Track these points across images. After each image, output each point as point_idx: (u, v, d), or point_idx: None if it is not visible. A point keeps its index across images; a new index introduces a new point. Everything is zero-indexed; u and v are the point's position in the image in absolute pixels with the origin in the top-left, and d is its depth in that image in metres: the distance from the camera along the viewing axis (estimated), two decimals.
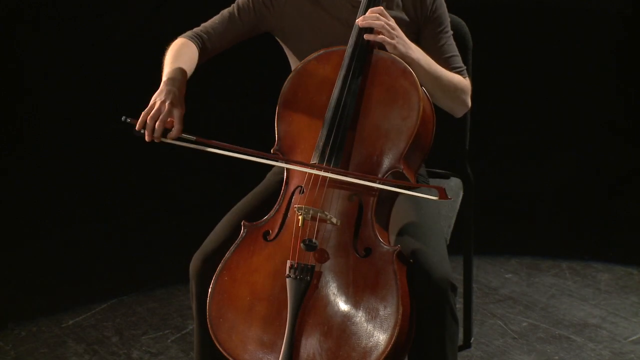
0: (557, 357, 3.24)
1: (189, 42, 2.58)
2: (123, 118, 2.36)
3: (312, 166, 2.36)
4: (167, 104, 2.35)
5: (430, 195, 2.36)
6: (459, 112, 2.60)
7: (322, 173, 2.34)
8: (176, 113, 2.35)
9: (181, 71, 2.45)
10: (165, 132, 2.35)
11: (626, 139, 5.24)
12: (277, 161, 2.44)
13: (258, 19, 2.64)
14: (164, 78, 2.43)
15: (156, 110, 2.34)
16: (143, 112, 2.35)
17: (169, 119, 2.34)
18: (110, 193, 4.80)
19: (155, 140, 2.35)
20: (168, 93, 2.37)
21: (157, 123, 2.33)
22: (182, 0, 5.49)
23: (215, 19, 2.65)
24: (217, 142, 2.34)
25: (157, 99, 2.36)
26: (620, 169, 4.96)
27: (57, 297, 3.73)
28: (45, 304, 3.67)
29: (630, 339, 3.34)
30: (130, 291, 3.77)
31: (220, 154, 2.35)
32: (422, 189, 2.51)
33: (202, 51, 2.59)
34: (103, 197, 4.76)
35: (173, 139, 2.36)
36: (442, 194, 2.29)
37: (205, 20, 2.67)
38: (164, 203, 4.69)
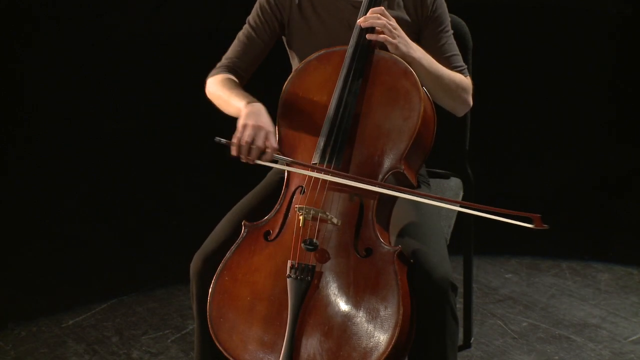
0: (557, 357, 3.24)
1: (226, 74, 2.59)
2: (217, 139, 2.33)
3: (314, 168, 2.36)
4: (259, 125, 2.33)
5: (525, 223, 2.24)
6: (460, 111, 2.60)
7: (323, 176, 2.34)
8: (270, 134, 2.34)
9: (250, 95, 2.46)
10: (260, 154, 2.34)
11: (626, 139, 5.24)
12: (276, 163, 2.44)
13: (273, 31, 2.65)
14: (242, 102, 2.41)
15: (250, 133, 2.32)
16: (236, 135, 2.33)
17: (264, 141, 2.33)
18: (110, 193, 4.80)
19: (250, 163, 2.34)
20: (258, 114, 2.36)
21: (253, 146, 2.32)
22: (182, 0, 5.48)
23: (235, 45, 2.66)
24: (310, 165, 2.35)
25: (247, 121, 2.34)
26: (620, 169, 4.96)
27: (57, 297, 3.73)
28: (45, 304, 3.67)
29: (630, 339, 3.34)
30: (130, 291, 3.77)
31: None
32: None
33: (238, 79, 2.61)
34: (103, 197, 4.76)
35: (267, 161, 2.35)
36: (538, 222, 2.21)
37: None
38: (164, 203, 4.69)
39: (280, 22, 2.64)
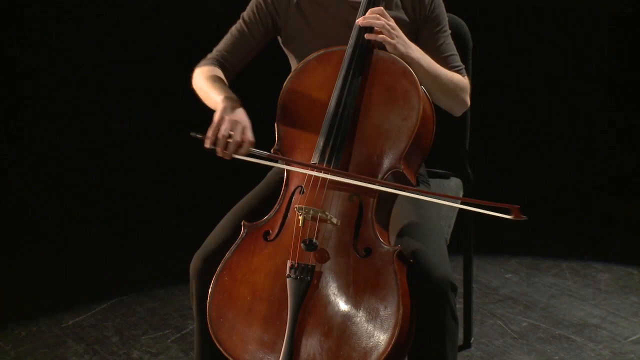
0: (557, 357, 3.24)
1: (214, 67, 2.59)
2: (192, 134, 2.33)
3: (313, 167, 2.36)
4: (235, 119, 2.33)
5: (504, 214, 2.27)
6: (458, 111, 2.60)
7: (323, 175, 2.34)
8: (246, 128, 2.34)
9: (229, 90, 2.46)
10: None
11: (626, 139, 5.24)
12: (277, 162, 2.44)
13: (267, 29, 2.64)
14: (220, 96, 2.41)
15: (226, 126, 2.32)
16: (211, 128, 2.32)
17: (240, 135, 2.32)
18: (110, 193, 4.80)
19: (226, 158, 2.34)
20: (233, 108, 2.36)
21: (229, 140, 2.31)
22: (182, 0, 5.49)
23: (227, 39, 2.65)
24: (288, 158, 2.36)
25: (223, 114, 2.34)
26: (620, 169, 4.96)
27: (57, 297, 3.73)
28: (45, 304, 3.67)
29: (630, 339, 3.34)
30: (130, 291, 3.77)
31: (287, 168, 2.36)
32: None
33: (225, 74, 2.60)
34: (103, 197, 4.76)
35: (244, 155, 2.34)
36: (517, 213, 2.23)
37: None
38: (164, 203, 4.69)
39: (274, 21, 2.64)
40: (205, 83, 2.52)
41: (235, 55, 2.63)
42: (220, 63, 2.61)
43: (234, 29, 2.66)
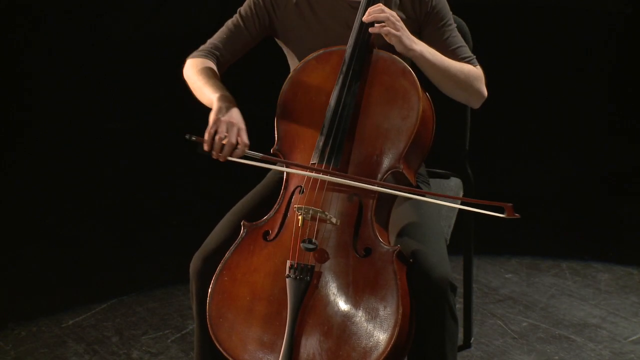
0: (557, 357, 3.24)
1: (206, 60, 2.58)
2: (187, 136, 2.31)
3: (310, 169, 2.36)
4: (231, 121, 2.32)
5: (498, 213, 2.28)
6: (475, 103, 2.55)
7: (322, 177, 2.34)
8: (242, 131, 2.33)
9: (223, 87, 2.45)
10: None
11: (626, 139, 5.24)
12: (275, 164, 2.44)
13: (263, 26, 2.63)
14: (214, 95, 2.40)
15: (222, 129, 2.31)
16: (208, 131, 2.31)
17: (236, 137, 2.32)
18: (110, 193, 4.80)
19: (221, 160, 2.33)
20: (228, 109, 2.35)
21: (224, 142, 2.31)
22: (182, 0, 5.49)
23: (221, 32, 2.64)
24: (282, 159, 2.36)
25: (219, 116, 2.33)
26: (620, 169, 4.96)
27: (57, 297, 3.72)
28: (45, 304, 3.67)
29: (630, 339, 3.34)
30: (130, 291, 3.77)
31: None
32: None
33: (218, 67, 2.59)
34: (103, 197, 4.76)
35: (239, 157, 2.34)
36: (510, 211, 2.24)
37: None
38: (163, 203, 4.69)
39: (271, 18, 2.62)
40: (199, 77, 2.50)
41: (229, 49, 2.62)
42: (214, 56, 2.59)
43: (230, 23, 2.65)
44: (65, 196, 4.72)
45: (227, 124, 2.31)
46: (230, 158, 2.33)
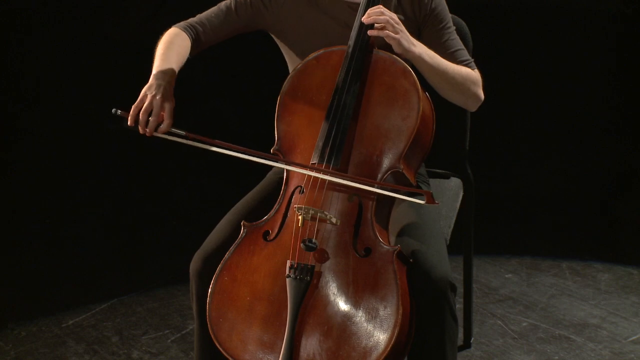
0: (557, 357, 3.24)
1: (183, 33, 2.58)
2: (114, 110, 2.36)
3: (312, 168, 2.36)
4: (158, 97, 2.36)
5: (419, 199, 2.34)
6: (472, 106, 2.57)
7: (321, 176, 2.34)
8: (167, 107, 2.37)
9: (171, 64, 2.46)
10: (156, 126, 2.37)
11: (626, 139, 5.24)
12: (277, 162, 2.44)
13: (255, 16, 2.63)
14: (154, 71, 2.44)
15: (148, 104, 2.35)
16: (134, 106, 2.36)
17: (160, 113, 2.36)
18: (110, 193, 4.80)
19: (147, 135, 2.36)
20: (158, 87, 2.38)
21: (150, 118, 2.34)
22: (182, 1, 5.48)
23: (212, 11, 2.64)
24: (207, 138, 2.35)
25: (147, 92, 2.38)
26: (620, 169, 4.96)
27: (57, 297, 3.73)
28: (45, 304, 3.67)
29: (630, 339, 3.34)
30: (130, 291, 3.77)
31: (211, 150, 2.36)
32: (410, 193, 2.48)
33: (195, 43, 2.59)
34: (103, 197, 4.76)
35: (164, 133, 2.37)
36: (429, 198, 2.28)
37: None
38: (164, 203, 4.69)
39: (264, 12, 2.62)
40: (161, 47, 2.52)
41: (213, 29, 2.62)
42: (196, 32, 2.60)
43: (222, 5, 2.64)
44: (65, 196, 4.72)
45: (153, 99, 2.35)
46: (156, 134, 2.36)
